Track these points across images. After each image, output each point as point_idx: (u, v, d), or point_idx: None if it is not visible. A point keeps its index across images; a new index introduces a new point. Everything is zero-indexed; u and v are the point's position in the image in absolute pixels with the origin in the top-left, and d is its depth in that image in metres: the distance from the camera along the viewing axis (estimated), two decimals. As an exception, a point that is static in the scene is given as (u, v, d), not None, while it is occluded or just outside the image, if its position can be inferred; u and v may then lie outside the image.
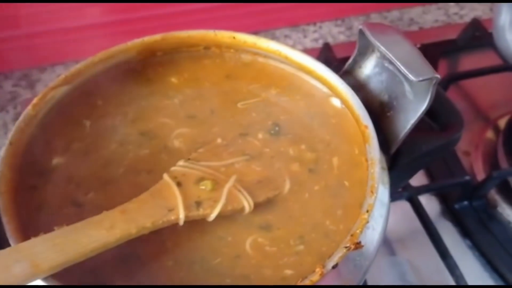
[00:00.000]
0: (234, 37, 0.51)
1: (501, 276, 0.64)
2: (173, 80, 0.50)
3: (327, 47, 0.80)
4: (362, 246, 0.37)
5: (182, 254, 0.39)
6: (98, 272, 0.37)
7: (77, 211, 0.39)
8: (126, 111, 0.46)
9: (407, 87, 0.43)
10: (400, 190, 0.68)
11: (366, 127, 0.44)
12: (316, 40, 0.92)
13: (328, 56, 0.78)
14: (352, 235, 0.37)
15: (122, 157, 0.43)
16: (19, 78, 0.85)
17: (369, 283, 0.62)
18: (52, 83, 0.45)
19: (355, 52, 0.48)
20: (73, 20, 0.84)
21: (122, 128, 0.45)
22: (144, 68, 0.50)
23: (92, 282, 0.37)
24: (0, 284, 0.31)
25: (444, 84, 0.80)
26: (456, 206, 0.70)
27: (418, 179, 0.71)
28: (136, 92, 0.48)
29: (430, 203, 0.71)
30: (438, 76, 0.39)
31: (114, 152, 0.43)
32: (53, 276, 0.33)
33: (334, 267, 0.35)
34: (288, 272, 0.38)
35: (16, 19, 0.81)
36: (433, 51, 0.86)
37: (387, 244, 0.68)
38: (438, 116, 0.47)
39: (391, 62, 0.43)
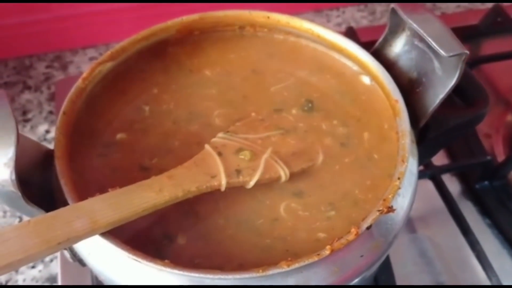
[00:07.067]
0: (268, 17, 0.53)
1: (519, 253, 0.66)
2: (208, 73, 0.53)
3: (351, 30, 0.82)
4: (394, 210, 0.39)
5: (232, 214, 0.42)
6: (163, 224, 0.41)
7: (145, 174, 0.42)
8: (177, 98, 0.51)
9: (436, 63, 0.45)
10: (422, 169, 0.70)
11: (396, 101, 0.46)
12: (339, 24, 0.94)
13: (352, 39, 0.79)
14: (384, 200, 0.39)
15: (176, 132, 0.48)
16: (52, 60, 0.89)
17: (392, 259, 0.64)
18: (99, 59, 0.48)
19: (386, 30, 0.50)
20: (103, 4, 0.86)
21: (175, 111, 0.50)
22: (184, 59, 0.54)
23: (158, 233, 0.41)
24: (63, 237, 0.34)
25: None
26: (477, 186, 0.71)
27: (440, 160, 0.73)
28: (181, 82, 0.52)
29: (451, 183, 0.72)
30: (467, 52, 0.41)
31: (169, 129, 0.48)
32: (121, 227, 0.37)
33: (368, 228, 0.38)
34: (321, 235, 0.41)
35: (48, 2, 0.84)
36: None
37: (409, 221, 0.70)
38: (464, 93, 0.49)
39: (421, 40, 0.45)
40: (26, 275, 0.63)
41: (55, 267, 0.64)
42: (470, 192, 0.72)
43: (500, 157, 0.74)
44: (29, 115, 0.80)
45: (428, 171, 0.70)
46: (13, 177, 0.36)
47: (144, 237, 0.40)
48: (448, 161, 0.74)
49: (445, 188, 0.69)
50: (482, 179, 0.71)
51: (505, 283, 0.61)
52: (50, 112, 0.81)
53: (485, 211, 0.70)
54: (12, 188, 0.36)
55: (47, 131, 0.78)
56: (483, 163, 0.70)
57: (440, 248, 0.67)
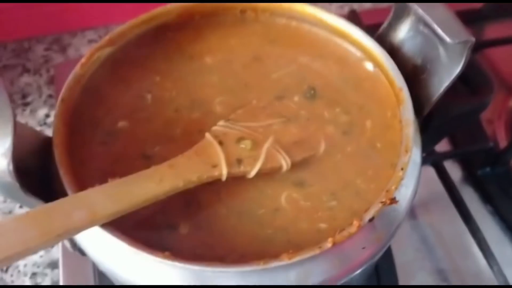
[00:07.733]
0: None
1: (520, 240, 0.66)
2: (208, 60, 0.52)
3: (353, 14, 0.80)
4: (397, 201, 0.39)
5: (233, 204, 0.42)
6: (166, 213, 0.41)
7: (147, 162, 0.41)
8: (179, 85, 0.50)
9: (441, 50, 0.44)
10: (424, 155, 0.69)
11: (400, 89, 0.45)
12: (341, 7, 0.93)
13: (355, 22, 0.78)
14: (387, 191, 0.39)
15: (178, 120, 0.47)
16: (50, 42, 0.87)
17: (392, 245, 0.64)
18: (98, 44, 0.47)
19: (390, 15, 0.48)
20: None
21: (176, 98, 0.49)
22: (185, 45, 0.53)
23: (161, 221, 0.40)
24: (62, 228, 0.34)
25: (469, 52, 0.80)
26: (479, 172, 0.71)
27: (442, 146, 0.72)
28: (182, 69, 0.51)
29: (452, 170, 0.72)
30: (473, 39, 0.40)
31: (171, 117, 0.47)
32: (124, 215, 0.37)
33: (370, 220, 0.37)
34: (323, 225, 0.41)
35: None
36: (458, 20, 0.86)
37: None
38: (468, 80, 0.48)
39: (426, 25, 0.44)
40: (27, 260, 0.64)
41: (56, 253, 0.64)
42: (472, 178, 0.71)
43: (503, 143, 0.73)
44: (29, 99, 0.80)
45: (429, 158, 0.69)
46: (11, 167, 0.35)
47: (147, 226, 0.40)
48: (450, 147, 0.74)
49: (446, 175, 0.69)
50: (484, 165, 0.71)
51: (506, 270, 0.61)
52: (50, 96, 0.80)
53: (486, 197, 0.70)
54: (10, 178, 0.35)
55: (47, 115, 0.78)
56: (485, 150, 0.70)
57: (441, 235, 0.67)
